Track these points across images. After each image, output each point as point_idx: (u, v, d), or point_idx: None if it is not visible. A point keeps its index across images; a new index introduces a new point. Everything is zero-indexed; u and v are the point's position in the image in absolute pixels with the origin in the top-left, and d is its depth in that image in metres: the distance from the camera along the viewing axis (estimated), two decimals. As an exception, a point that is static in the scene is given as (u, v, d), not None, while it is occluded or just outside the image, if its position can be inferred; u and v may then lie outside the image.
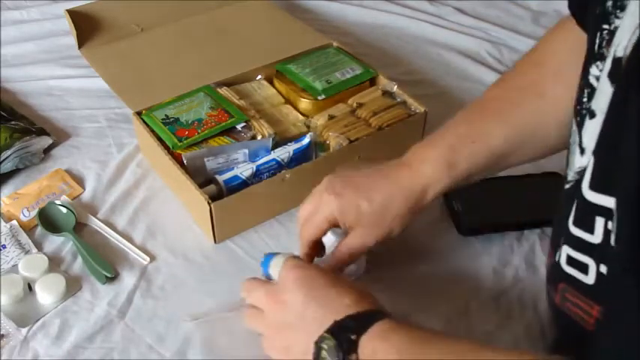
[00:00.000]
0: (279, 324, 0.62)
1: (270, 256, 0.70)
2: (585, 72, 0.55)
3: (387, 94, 0.99)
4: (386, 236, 0.71)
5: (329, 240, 0.74)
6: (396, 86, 0.99)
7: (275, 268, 0.67)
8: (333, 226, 0.71)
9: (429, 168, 0.70)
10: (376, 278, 0.80)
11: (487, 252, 0.83)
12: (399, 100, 0.98)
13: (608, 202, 0.49)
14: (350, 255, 0.71)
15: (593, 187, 0.51)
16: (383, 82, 1.01)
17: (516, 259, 0.82)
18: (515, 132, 0.71)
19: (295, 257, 0.68)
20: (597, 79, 0.53)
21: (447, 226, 0.86)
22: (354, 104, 0.97)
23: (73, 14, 1.07)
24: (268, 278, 0.70)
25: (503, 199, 0.89)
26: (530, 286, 0.79)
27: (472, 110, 0.74)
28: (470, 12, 1.29)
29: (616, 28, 0.51)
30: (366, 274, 0.79)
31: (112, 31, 1.09)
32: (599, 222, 0.50)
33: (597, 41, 0.53)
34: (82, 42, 1.07)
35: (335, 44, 1.08)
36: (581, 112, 0.55)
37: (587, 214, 0.52)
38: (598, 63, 0.53)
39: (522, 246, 0.84)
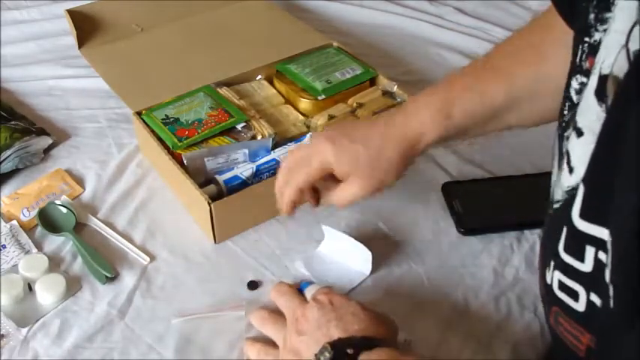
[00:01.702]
0: (296, 333, 0.66)
1: (306, 284, 0.74)
2: (567, 84, 0.55)
3: (387, 94, 0.99)
4: (379, 185, 0.70)
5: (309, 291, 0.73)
6: (396, 86, 0.99)
7: (310, 290, 0.72)
8: (326, 173, 0.71)
9: (423, 115, 0.69)
10: (377, 279, 0.80)
11: (487, 252, 0.83)
12: (399, 100, 0.98)
13: (600, 232, 0.48)
14: (343, 205, 0.71)
15: (584, 216, 0.50)
16: (383, 82, 1.01)
17: (516, 259, 0.82)
18: (514, 88, 0.69)
19: (328, 288, 0.71)
20: (577, 92, 0.52)
21: (447, 226, 0.86)
22: (354, 104, 0.97)
23: (73, 14, 1.07)
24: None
25: (504, 199, 0.89)
26: (530, 286, 0.79)
27: (475, 64, 0.73)
28: (470, 12, 1.29)
29: (596, 41, 0.51)
30: (369, 277, 0.79)
31: (112, 31, 1.09)
32: (590, 251, 0.50)
33: (579, 53, 0.53)
34: (82, 42, 1.07)
35: (335, 44, 1.08)
36: (562, 125, 0.55)
37: (578, 243, 0.51)
38: (578, 76, 0.53)
39: (522, 246, 0.84)
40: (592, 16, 0.51)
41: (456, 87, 0.70)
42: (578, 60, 0.53)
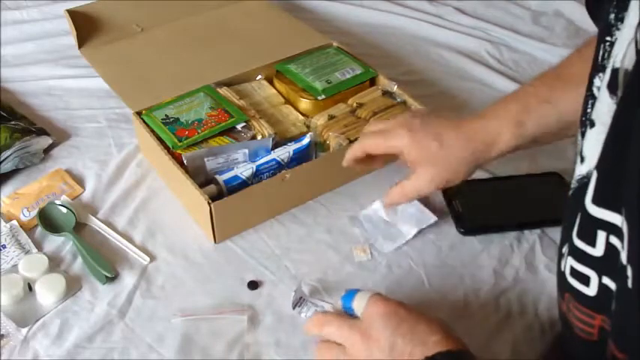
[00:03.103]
0: (365, 358, 0.61)
1: (352, 292, 0.66)
2: (590, 84, 0.55)
3: (387, 94, 0.99)
4: (446, 182, 0.74)
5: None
6: (396, 86, 0.99)
7: (359, 302, 0.64)
8: (392, 155, 0.75)
9: (497, 125, 0.72)
10: (377, 279, 0.80)
11: (487, 252, 0.83)
12: (399, 100, 0.98)
13: (612, 217, 0.49)
14: (411, 195, 0.76)
15: (597, 201, 0.51)
16: (383, 82, 1.01)
17: (516, 259, 0.82)
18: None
19: (380, 294, 0.65)
20: (599, 89, 0.53)
21: (447, 226, 0.86)
22: (354, 104, 0.97)
23: (73, 14, 1.07)
24: (347, 313, 0.66)
25: (504, 199, 0.89)
26: (530, 286, 0.79)
27: (550, 74, 0.75)
28: (470, 12, 1.29)
29: (616, 39, 0.52)
30: (369, 277, 0.79)
31: (112, 31, 1.09)
32: (601, 235, 0.51)
33: (600, 53, 0.54)
34: (82, 42, 1.07)
35: (335, 44, 1.08)
36: (584, 123, 0.55)
37: (590, 228, 0.52)
38: (600, 74, 0.54)
39: (522, 246, 0.84)
40: (612, 16, 0.52)
41: (531, 98, 0.73)
42: (600, 59, 0.54)
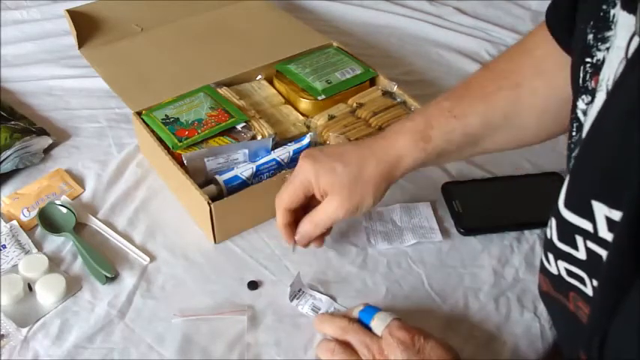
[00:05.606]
0: None
1: (372, 310, 0.70)
2: (574, 106, 0.55)
3: (387, 94, 0.99)
4: (357, 205, 0.71)
5: None
6: (396, 86, 0.99)
7: (378, 323, 0.68)
8: (308, 192, 0.72)
9: (402, 140, 0.71)
10: (377, 279, 0.80)
11: (487, 252, 0.83)
12: (399, 100, 0.98)
13: (582, 223, 0.49)
14: (322, 224, 0.73)
15: (568, 206, 0.51)
16: (383, 82, 1.01)
17: (516, 259, 0.82)
18: (491, 113, 0.71)
19: (400, 320, 0.68)
20: (584, 112, 0.53)
21: (447, 226, 0.86)
22: (354, 104, 0.97)
23: (73, 14, 1.07)
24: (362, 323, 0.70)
25: (504, 199, 0.89)
26: (530, 286, 0.79)
27: (456, 89, 0.75)
28: (470, 12, 1.29)
29: (599, 60, 0.51)
30: (369, 277, 0.79)
31: (112, 31, 1.09)
32: (579, 240, 0.51)
33: (581, 75, 0.53)
34: (82, 42, 1.07)
35: (335, 44, 1.08)
36: (570, 146, 0.55)
37: (567, 232, 0.52)
38: (584, 96, 0.53)
39: (522, 246, 0.84)
40: (591, 36, 0.52)
41: (437, 112, 0.72)
42: (581, 81, 0.54)
